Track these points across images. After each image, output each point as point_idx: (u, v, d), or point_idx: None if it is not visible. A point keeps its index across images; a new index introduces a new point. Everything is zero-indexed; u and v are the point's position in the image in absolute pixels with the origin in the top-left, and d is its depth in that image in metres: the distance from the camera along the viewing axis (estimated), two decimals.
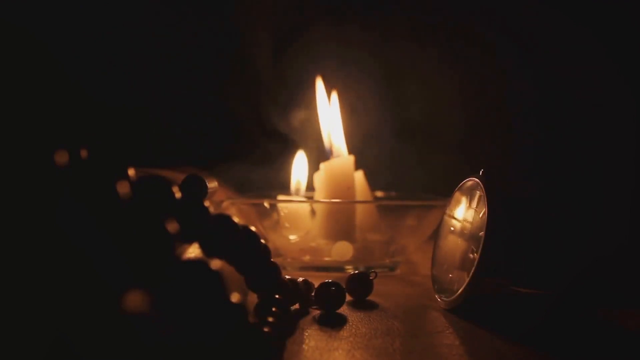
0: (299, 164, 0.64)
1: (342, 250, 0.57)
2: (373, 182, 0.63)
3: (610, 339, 0.38)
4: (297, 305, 0.42)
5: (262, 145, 0.73)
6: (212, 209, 0.33)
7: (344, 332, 0.37)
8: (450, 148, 0.78)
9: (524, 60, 0.75)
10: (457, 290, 0.41)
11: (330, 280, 0.42)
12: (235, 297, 0.23)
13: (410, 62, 0.75)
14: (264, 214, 0.58)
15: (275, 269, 0.39)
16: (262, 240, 0.38)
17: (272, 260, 0.39)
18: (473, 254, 0.41)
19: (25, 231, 0.20)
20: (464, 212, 0.45)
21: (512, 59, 0.75)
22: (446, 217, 0.47)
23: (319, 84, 0.63)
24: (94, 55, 0.72)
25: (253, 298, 0.39)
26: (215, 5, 0.78)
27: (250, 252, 0.37)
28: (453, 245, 0.45)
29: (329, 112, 0.63)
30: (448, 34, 0.75)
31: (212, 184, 0.40)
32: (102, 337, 0.18)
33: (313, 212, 0.58)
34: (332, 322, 0.40)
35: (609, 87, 0.72)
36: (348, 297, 0.44)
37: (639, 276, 0.48)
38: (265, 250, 0.39)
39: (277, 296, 0.37)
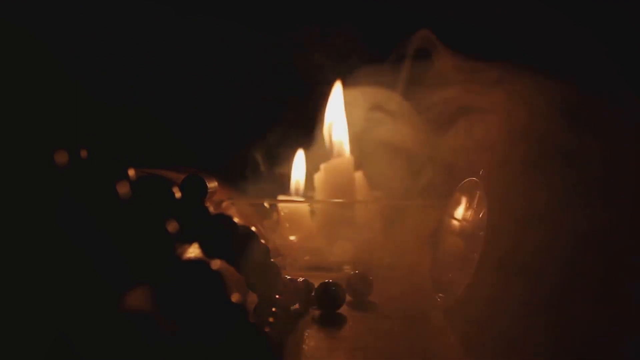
0: (299, 163, 0.64)
1: (342, 250, 0.57)
2: (373, 182, 0.63)
3: (609, 338, 0.38)
4: (297, 305, 0.42)
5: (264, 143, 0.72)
6: (212, 209, 0.33)
7: (344, 332, 0.37)
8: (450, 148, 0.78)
9: (523, 59, 0.75)
10: (457, 290, 0.41)
11: (330, 280, 0.42)
12: (235, 297, 0.23)
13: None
14: (264, 214, 0.58)
15: (275, 269, 0.39)
16: (262, 240, 0.38)
17: (272, 260, 0.39)
18: (473, 254, 0.41)
19: (25, 231, 0.20)
20: (464, 212, 0.45)
21: (511, 58, 0.75)
22: (446, 217, 0.47)
23: (338, 85, 0.63)
24: (94, 55, 0.72)
25: (253, 298, 0.39)
26: (216, 4, 0.78)
27: (250, 252, 0.37)
28: (453, 245, 0.45)
29: (334, 110, 0.63)
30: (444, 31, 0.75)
31: (212, 184, 0.40)
32: (102, 337, 0.18)
33: (313, 212, 0.58)
34: (332, 322, 0.40)
35: (608, 87, 0.72)
36: (348, 297, 0.44)
37: (639, 276, 0.48)
38: (265, 250, 0.39)
39: (277, 296, 0.37)
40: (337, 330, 0.38)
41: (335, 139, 0.62)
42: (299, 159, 0.64)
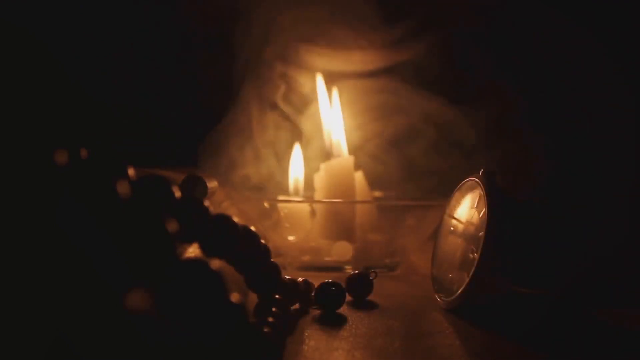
0: (296, 159, 0.64)
1: (342, 250, 0.57)
2: (373, 182, 0.63)
3: (610, 339, 0.38)
4: (297, 305, 0.42)
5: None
6: (212, 209, 0.33)
7: (344, 332, 0.37)
8: (450, 148, 0.78)
9: (523, 59, 0.75)
10: (457, 290, 0.41)
11: (330, 280, 0.42)
12: (235, 297, 0.23)
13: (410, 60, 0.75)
14: (264, 214, 0.58)
15: (275, 269, 0.39)
16: (262, 240, 0.38)
17: (272, 260, 0.39)
18: (473, 254, 0.41)
19: (25, 231, 0.20)
20: (464, 212, 0.45)
21: (511, 58, 0.75)
22: (446, 217, 0.47)
23: (319, 81, 0.63)
24: (94, 55, 0.72)
25: (253, 298, 0.39)
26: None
27: (250, 252, 0.37)
28: (453, 245, 0.45)
29: (330, 110, 0.63)
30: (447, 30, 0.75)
31: (212, 184, 0.40)
32: (102, 337, 0.18)
33: (313, 212, 0.58)
34: (332, 322, 0.40)
35: (609, 87, 0.72)
36: (348, 297, 0.44)
37: (639, 276, 0.48)
38: (265, 250, 0.39)
39: (277, 296, 0.37)
40: (337, 330, 0.38)
41: (334, 138, 0.62)
42: (296, 153, 0.64)
